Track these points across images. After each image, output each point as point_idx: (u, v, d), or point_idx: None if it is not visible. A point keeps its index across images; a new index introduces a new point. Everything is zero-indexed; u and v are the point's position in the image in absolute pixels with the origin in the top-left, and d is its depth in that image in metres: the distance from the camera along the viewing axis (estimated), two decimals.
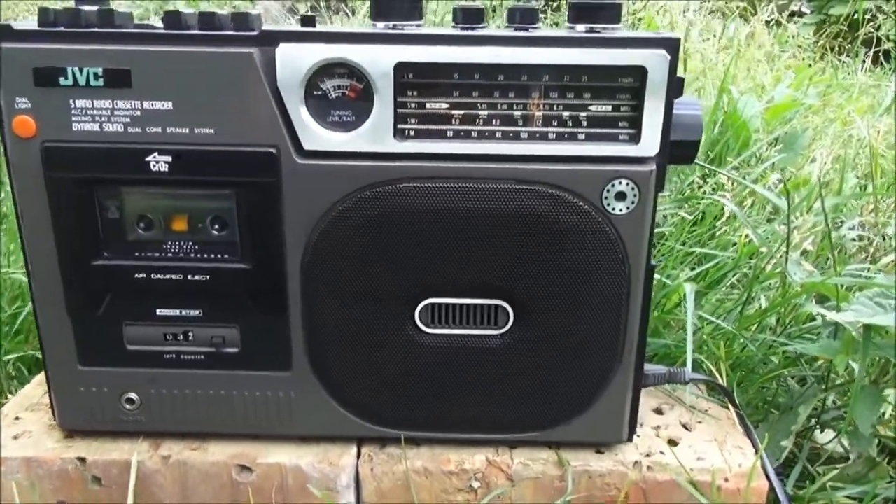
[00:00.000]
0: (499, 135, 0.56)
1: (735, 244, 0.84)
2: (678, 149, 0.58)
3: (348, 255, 0.58)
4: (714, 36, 1.57)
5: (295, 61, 0.54)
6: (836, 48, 2.41)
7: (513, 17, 0.58)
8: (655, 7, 1.63)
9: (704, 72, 1.26)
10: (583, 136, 0.56)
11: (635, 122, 0.55)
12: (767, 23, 2.13)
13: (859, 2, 2.38)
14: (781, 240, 0.76)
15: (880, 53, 2.17)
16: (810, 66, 1.88)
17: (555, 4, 2.08)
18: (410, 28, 0.55)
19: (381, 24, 0.56)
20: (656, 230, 0.91)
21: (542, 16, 2.04)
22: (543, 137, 0.56)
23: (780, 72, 1.41)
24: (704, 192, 0.97)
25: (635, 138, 0.55)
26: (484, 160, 0.56)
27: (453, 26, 0.58)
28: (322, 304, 0.59)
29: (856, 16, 2.42)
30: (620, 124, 0.56)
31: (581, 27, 0.56)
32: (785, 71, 1.47)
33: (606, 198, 0.56)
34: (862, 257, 1.00)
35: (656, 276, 0.79)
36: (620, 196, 0.56)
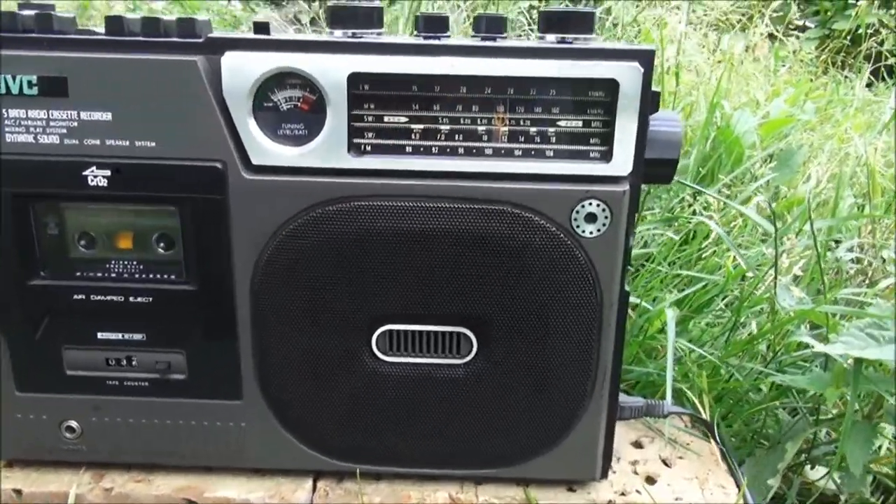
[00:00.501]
0: (461, 151, 0.52)
1: (724, 266, 0.81)
2: (654, 167, 0.54)
3: (300, 276, 0.54)
4: (710, 50, 1.53)
5: (242, 70, 0.50)
6: (839, 63, 2.37)
7: (479, 25, 0.55)
8: (650, 18, 1.59)
9: (697, 86, 1.22)
10: (551, 154, 0.52)
11: (607, 139, 0.52)
12: (771, 36, 2.10)
13: (862, 17, 2.35)
14: (770, 263, 0.72)
15: (882, 69, 2.14)
16: (811, 80, 1.84)
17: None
18: (368, 37, 0.52)
19: (338, 33, 0.53)
20: (642, 250, 0.87)
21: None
22: (509, 154, 0.52)
23: (777, 87, 1.37)
24: (694, 211, 0.94)
25: (607, 156, 0.52)
26: (445, 178, 0.52)
27: (415, 35, 0.54)
28: (273, 329, 0.56)
29: (859, 31, 2.39)
30: (591, 141, 0.52)
31: (551, 37, 0.53)
32: (784, 86, 1.44)
33: (576, 219, 0.53)
34: (859, 280, 0.96)
35: (638, 301, 0.75)
36: (591, 218, 0.53)
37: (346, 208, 0.53)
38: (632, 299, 0.75)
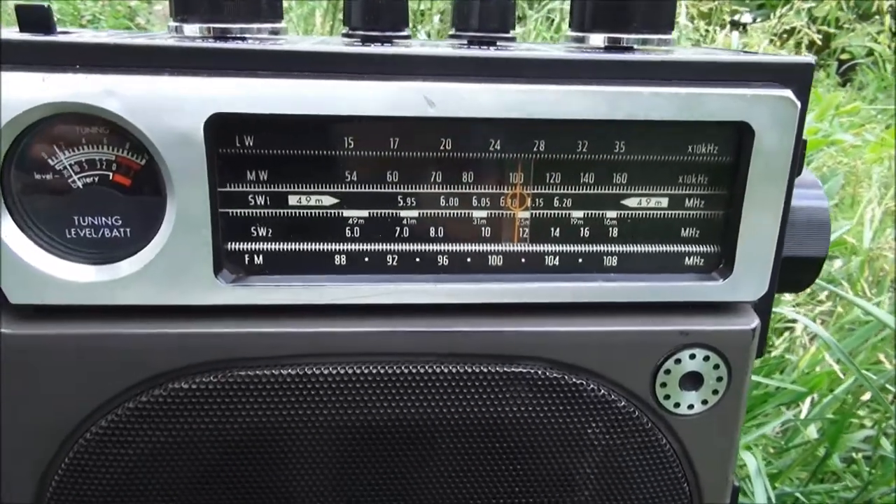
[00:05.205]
0: (444, 261, 0.28)
1: (802, 368, 0.58)
2: (790, 273, 0.31)
3: None
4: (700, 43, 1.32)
5: None
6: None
7: (464, 16, 0.30)
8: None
9: None
10: (613, 262, 0.29)
11: (723, 234, 0.28)
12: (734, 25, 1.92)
13: (822, 4, 2.21)
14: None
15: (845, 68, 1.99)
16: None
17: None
18: (255, 39, 0.27)
19: (191, 28, 0.27)
20: None
21: None
22: (535, 266, 0.29)
23: None
24: None
25: (720, 264, 0.29)
26: (412, 317, 0.28)
27: (345, 34, 0.30)
28: None
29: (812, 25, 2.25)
30: (687, 234, 0.29)
31: (597, 38, 0.29)
32: None
33: (664, 385, 0.29)
34: None
35: None
36: (692, 381, 0.30)
37: (213, 385, 0.27)
38: None
